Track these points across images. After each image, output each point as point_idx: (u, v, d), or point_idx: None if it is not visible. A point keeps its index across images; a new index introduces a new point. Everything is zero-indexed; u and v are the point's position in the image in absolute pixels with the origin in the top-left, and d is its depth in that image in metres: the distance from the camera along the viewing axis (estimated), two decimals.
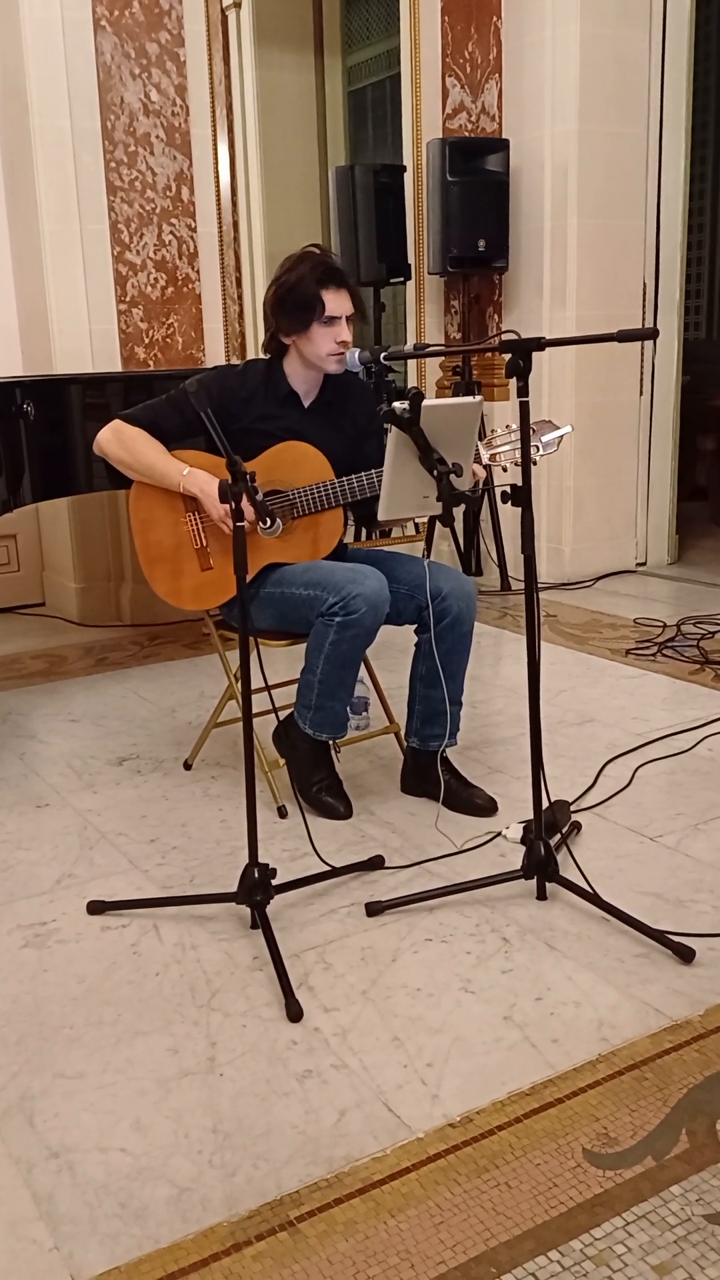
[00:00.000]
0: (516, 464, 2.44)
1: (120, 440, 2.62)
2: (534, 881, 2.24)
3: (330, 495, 2.59)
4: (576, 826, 2.55)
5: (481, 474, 2.50)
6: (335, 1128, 1.62)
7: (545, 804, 2.22)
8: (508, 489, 2.12)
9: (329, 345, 2.57)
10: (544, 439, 2.43)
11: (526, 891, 2.26)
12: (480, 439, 2.42)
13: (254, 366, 2.70)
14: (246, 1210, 1.48)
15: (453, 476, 2.10)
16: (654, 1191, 1.48)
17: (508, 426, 2.51)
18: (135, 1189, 1.52)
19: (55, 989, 2.00)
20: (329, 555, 2.66)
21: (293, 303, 2.55)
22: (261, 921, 2.09)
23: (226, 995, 1.96)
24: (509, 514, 4.87)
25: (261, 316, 2.73)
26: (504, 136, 4.80)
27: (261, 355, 2.73)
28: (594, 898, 2.16)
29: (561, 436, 2.47)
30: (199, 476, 2.56)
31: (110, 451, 2.64)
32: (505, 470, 2.54)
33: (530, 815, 2.24)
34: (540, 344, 2.07)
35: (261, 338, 2.72)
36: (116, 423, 2.64)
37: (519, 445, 2.47)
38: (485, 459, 2.50)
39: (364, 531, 4.36)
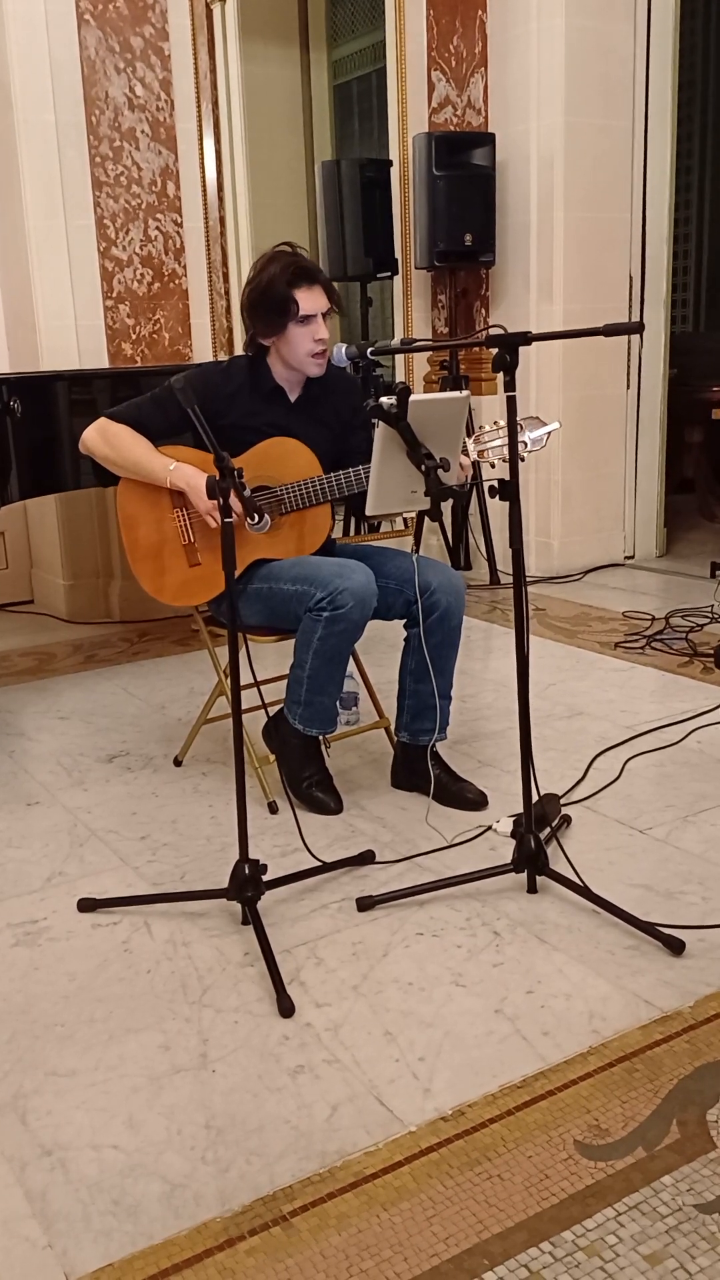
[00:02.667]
0: (505, 460, 2.44)
1: (106, 437, 2.62)
2: (524, 875, 2.25)
3: (317, 491, 2.59)
4: (566, 820, 2.55)
5: (469, 467, 2.50)
6: (328, 1122, 1.63)
7: (535, 797, 2.22)
8: (495, 484, 2.13)
9: (307, 344, 2.57)
10: (531, 435, 2.43)
11: (517, 885, 2.26)
12: (468, 434, 2.42)
13: (237, 363, 2.70)
14: (239, 1205, 1.48)
15: (440, 471, 2.10)
16: (645, 1182, 1.49)
17: (495, 423, 2.51)
18: (128, 1186, 1.52)
19: (46, 987, 2.00)
20: (316, 551, 2.67)
21: (266, 306, 2.54)
22: (253, 917, 2.09)
23: (218, 991, 1.96)
24: (497, 508, 4.88)
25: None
26: (490, 130, 4.79)
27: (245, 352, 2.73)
28: (584, 890, 2.17)
29: (549, 433, 2.47)
30: (185, 470, 2.56)
31: (96, 449, 2.64)
32: (494, 466, 2.55)
33: (520, 809, 2.24)
34: (527, 339, 2.07)
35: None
36: (102, 420, 2.64)
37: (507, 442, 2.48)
38: (473, 455, 2.50)
39: (352, 526, 4.37)
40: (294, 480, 2.59)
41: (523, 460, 2.21)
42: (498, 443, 2.50)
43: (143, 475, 2.61)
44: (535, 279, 4.78)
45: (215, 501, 2.03)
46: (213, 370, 2.70)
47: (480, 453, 2.51)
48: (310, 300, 2.54)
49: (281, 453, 2.62)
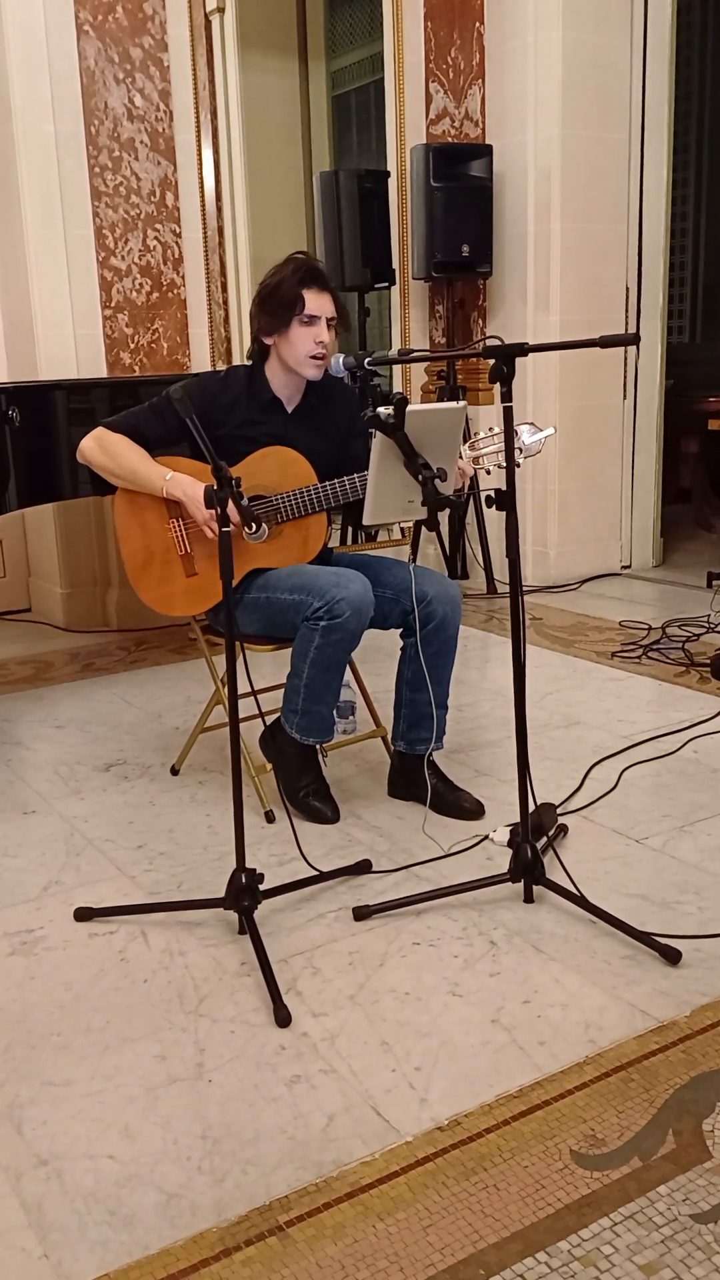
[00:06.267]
0: (500, 466, 2.45)
1: (103, 447, 2.63)
2: (521, 885, 2.25)
3: (314, 500, 2.59)
4: (563, 829, 2.56)
5: (469, 471, 2.50)
6: (324, 1132, 1.63)
7: (531, 807, 2.23)
8: (492, 493, 2.13)
9: (308, 345, 2.58)
10: (527, 441, 2.44)
11: (513, 894, 2.26)
12: (464, 441, 2.43)
13: (236, 373, 2.71)
14: (235, 1216, 1.48)
15: (437, 481, 2.11)
16: (641, 1192, 1.49)
17: (490, 429, 2.52)
18: (124, 1196, 1.52)
19: (43, 996, 2.00)
20: (314, 559, 2.67)
21: (274, 302, 2.58)
22: (249, 927, 2.09)
23: (214, 1001, 1.96)
24: (494, 517, 4.88)
25: (247, 321, 2.75)
26: (487, 142, 4.81)
27: (245, 361, 2.75)
28: (580, 900, 2.17)
29: (544, 438, 2.48)
30: (182, 480, 2.56)
31: (93, 458, 2.65)
32: (489, 473, 2.55)
33: (517, 818, 2.24)
34: (524, 350, 2.08)
35: (247, 343, 2.74)
36: (99, 430, 2.65)
37: (503, 448, 2.49)
38: (469, 461, 2.51)
39: (349, 535, 4.37)
40: (290, 489, 2.60)
41: (519, 466, 2.21)
42: (492, 448, 2.51)
43: (139, 485, 2.61)
44: (532, 290, 4.80)
45: (213, 511, 2.04)
46: (210, 379, 2.71)
47: (475, 459, 2.52)
48: (317, 302, 2.56)
49: (278, 462, 2.62)
